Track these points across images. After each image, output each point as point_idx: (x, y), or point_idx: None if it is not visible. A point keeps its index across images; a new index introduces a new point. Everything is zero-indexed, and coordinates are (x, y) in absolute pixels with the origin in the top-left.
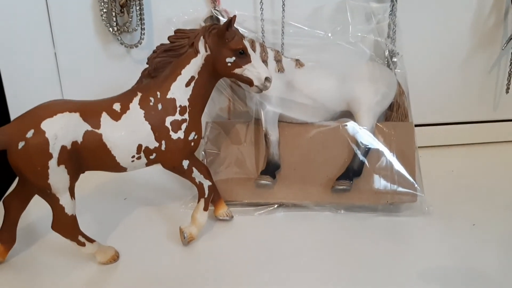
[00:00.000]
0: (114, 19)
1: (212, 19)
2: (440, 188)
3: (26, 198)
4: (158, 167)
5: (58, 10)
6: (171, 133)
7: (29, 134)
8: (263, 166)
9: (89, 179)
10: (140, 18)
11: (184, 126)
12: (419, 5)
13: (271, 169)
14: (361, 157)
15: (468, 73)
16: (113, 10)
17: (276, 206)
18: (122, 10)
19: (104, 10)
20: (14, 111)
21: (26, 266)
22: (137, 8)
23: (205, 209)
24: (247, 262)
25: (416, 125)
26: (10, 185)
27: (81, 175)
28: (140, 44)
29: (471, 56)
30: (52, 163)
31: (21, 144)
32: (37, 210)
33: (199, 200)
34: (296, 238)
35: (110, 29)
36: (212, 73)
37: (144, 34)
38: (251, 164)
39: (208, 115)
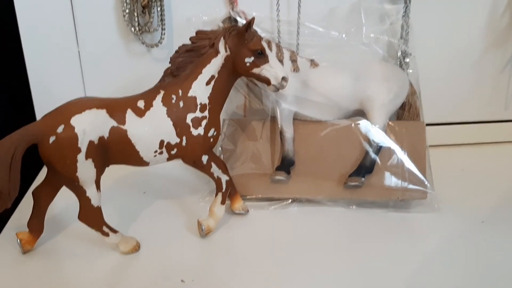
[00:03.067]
0: (136, 19)
1: (230, 20)
2: (450, 186)
3: (55, 189)
4: (177, 162)
5: (82, 11)
6: (192, 129)
7: (60, 129)
8: (278, 162)
9: (111, 172)
10: (161, 18)
11: (204, 123)
12: (432, 7)
13: (286, 165)
14: (373, 155)
15: (480, 73)
16: (135, 10)
17: (290, 201)
18: (144, 11)
19: (127, 10)
20: (40, 108)
21: (52, 254)
22: (158, 9)
23: (223, 203)
24: (262, 254)
25: (427, 124)
26: (35, 177)
27: None
28: (161, 43)
29: (483, 57)
30: (81, 157)
31: (52, 139)
32: (64, 201)
33: (216, 194)
34: (309, 232)
35: (132, 29)
36: (231, 72)
37: (164, 34)
38: (267, 160)
39: (225, 112)
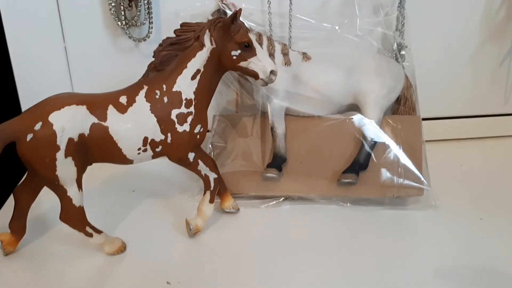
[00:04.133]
0: (123, 13)
1: (219, 13)
2: (447, 182)
3: (36, 189)
4: (164, 160)
5: (67, 5)
6: (177, 126)
7: (37, 126)
8: (269, 159)
9: (98, 171)
10: (148, 12)
11: (189, 119)
12: None
13: (277, 162)
14: (368, 151)
15: (478, 66)
16: (122, 4)
17: (282, 199)
18: (130, 4)
19: (113, 4)
20: (26, 105)
21: (35, 256)
22: (145, 2)
23: (211, 201)
24: (253, 254)
25: (424, 119)
26: (22, 177)
27: (90, 167)
28: (148, 37)
29: (480, 49)
30: (60, 155)
31: (29, 137)
32: (47, 201)
33: (205, 193)
34: (302, 231)
35: (119, 23)
36: (217, 66)
37: (152, 28)
38: (258, 157)
39: (216, 108)
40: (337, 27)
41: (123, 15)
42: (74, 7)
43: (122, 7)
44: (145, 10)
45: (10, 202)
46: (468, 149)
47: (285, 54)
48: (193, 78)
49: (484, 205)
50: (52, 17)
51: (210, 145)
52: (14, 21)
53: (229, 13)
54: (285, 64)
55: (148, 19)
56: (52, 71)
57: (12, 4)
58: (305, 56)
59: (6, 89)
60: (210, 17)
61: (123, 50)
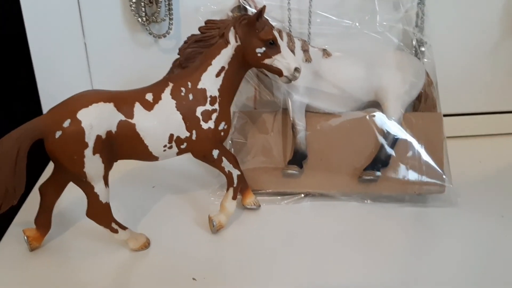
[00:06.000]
0: (143, 9)
1: (239, 9)
2: (468, 179)
3: (61, 185)
4: (186, 156)
5: (88, 1)
6: (202, 123)
7: (66, 123)
8: (290, 155)
9: (119, 167)
10: (168, 8)
11: (214, 116)
12: None
13: (298, 158)
14: (389, 148)
15: (498, 62)
16: (142, 0)
17: (302, 195)
18: (151, 1)
19: (134, 0)
20: (46, 101)
21: (60, 251)
22: None
23: (234, 198)
24: (274, 250)
25: (444, 115)
26: (42, 172)
27: None
28: (168, 34)
29: (500, 45)
30: (88, 152)
31: (58, 134)
32: (72, 197)
33: (228, 189)
34: (323, 227)
35: (139, 19)
36: (242, 64)
37: (172, 24)
38: (278, 154)
39: (235, 104)
40: (357, 23)
41: (143, 11)
42: (94, 3)
43: (142, 3)
44: (165, 7)
45: (32, 197)
46: (489, 145)
47: (305, 50)
48: (217, 75)
49: (506, 202)
50: (72, 13)
51: (230, 141)
52: (34, 18)
53: (249, 9)
54: (306, 61)
55: (168, 15)
56: (71, 67)
57: (33, 1)
58: (326, 53)
59: (26, 85)
60: (230, 13)
61: (142, 46)
